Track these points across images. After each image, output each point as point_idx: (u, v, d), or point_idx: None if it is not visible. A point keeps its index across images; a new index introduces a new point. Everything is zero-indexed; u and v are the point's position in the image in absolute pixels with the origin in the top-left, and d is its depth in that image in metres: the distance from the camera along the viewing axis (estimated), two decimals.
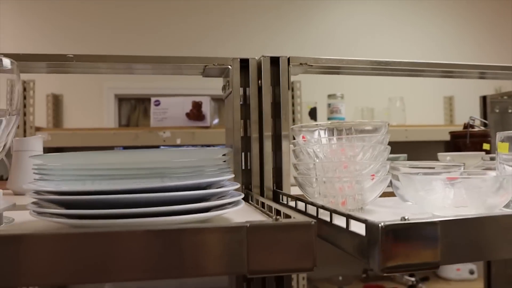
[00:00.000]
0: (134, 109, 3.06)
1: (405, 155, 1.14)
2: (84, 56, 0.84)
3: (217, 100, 2.92)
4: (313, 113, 2.60)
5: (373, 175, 0.65)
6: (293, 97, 2.47)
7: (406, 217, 0.47)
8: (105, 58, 0.86)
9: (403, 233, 0.46)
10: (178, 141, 2.33)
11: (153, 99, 2.41)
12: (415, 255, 0.47)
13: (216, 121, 2.87)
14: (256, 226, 0.44)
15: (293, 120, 2.44)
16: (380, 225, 0.45)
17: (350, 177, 0.64)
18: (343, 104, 2.62)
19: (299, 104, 2.47)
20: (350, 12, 3.25)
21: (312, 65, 0.88)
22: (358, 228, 0.50)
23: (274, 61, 0.86)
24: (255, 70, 0.87)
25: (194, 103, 2.40)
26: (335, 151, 0.67)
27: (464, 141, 1.29)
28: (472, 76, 1.16)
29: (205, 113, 2.41)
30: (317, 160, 0.68)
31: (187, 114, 2.40)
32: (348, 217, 0.52)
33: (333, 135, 0.68)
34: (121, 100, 3.02)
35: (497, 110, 1.48)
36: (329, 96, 2.63)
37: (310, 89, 2.68)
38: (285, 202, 0.77)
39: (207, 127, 2.40)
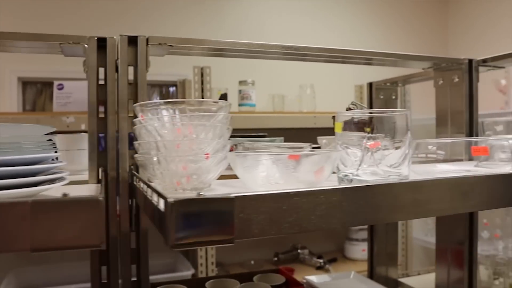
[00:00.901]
0: (40, 93, 2.92)
1: (282, 138, 1.17)
2: None
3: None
4: (223, 99, 2.60)
5: (207, 154, 0.65)
6: (202, 83, 2.46)
7: (201, 193, 0.47)
8: None
9: (196, 209, 0.46)
10: (83, 127, 2.25)
11: (56, 83, 2.31)
12: (208, 230, 0.47)
13: None
14: (39, 202, 0.43)
15: None
16: (169, 200, 0.45)
17: (182, 156, 0.64)
18: (254, 91, 2.64)
19: (208, 90, 2.47)
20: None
21: (172, 45, 0.87)
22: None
23: (133, 41, 0.85)
24: (114, 49, 0.85)
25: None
26: (173, 130, 0.67)
27: None
28: (377, 63, 1.21)
29: None
30: (159, 139, 0.68)
31: None
32: (159, 195, 0.52)
33: (175, 113, 0.68)
34: (26, 83, 2.87)
35: (382, 97, 1.55)
36: (240, 82, 2.65)
37: (221, 75, 2.68)
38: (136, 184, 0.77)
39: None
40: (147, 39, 0.85)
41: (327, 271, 2.73)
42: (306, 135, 1.19)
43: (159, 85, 2.93)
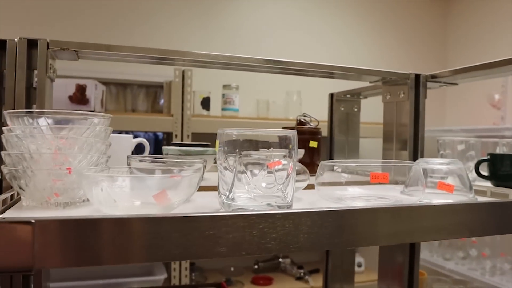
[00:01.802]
0: None
1: (214, 148, 1.12)
2: None
3: (118, 85, 2.84)
4: (206, 103, 2.57)
5: (69, 168, 0.61)
6: (183, 86, 2.42)
7: (4, 217, 0.43)
8: None
9: None
10: None
11: None
12: (4, 256, 0.43)
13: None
14: None
15: (182, 110, 2.39)
16: None
17: (47, 170, 0.60)
18: (238, 96, 2.59)
19: (189, 93, 2.43)
20: (259, 7, 3.22)
21: (77, 51, 0.83)
22: None
23: (34, 44, 0.81)
24: (13, 52, 0.81)
25: (78, 86, 2.31)
26: (39, 142, 0.62)
27: None
28: (339, 77, 1.17)
29: (89, 97, 2.33)
30: (26, 150, 0.64)
31: (70, 97, 2.30)
32: None
33: (46, 123, 0.64)
34: None
35: (342, 108, 1.49)
36: (224, 86, 2.60)
37: (205, 78, 2.64)
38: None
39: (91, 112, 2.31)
40: (48, 43, 0.81)
41: (306, 282, 2.67)
42: None
43: (146, 86, 2.90)
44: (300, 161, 1.16)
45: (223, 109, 2.59)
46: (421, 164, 0.84)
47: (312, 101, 2.93)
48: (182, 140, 2.41)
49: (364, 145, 2.04)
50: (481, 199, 0.87)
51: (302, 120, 1.32)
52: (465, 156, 1.24)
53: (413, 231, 0.59)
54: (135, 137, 1.24)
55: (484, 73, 1.05)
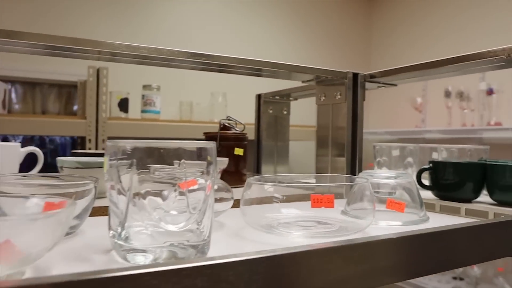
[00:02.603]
0: None
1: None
2: None
3: (26, 84, 2.52)
4: (123, 105, 2.32)
5: None
6: (98, 85, 2.17)
7: None
8: None
9: None
10: None
11: None
12: None
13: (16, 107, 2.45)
14: None
15: (97, 112, 2.14)
16: None
17: None
18: (159, 97, 2.38)
19: (105, 94, 2.18)
20: (185, 3, 3.02)
21: None
22: None
23: None
24: None
25: None
26: None
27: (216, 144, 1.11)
28: (267, 75, 1.01)
29: None
30: None
31: None
32: None
33: None
34: None
35: (271, 111, 1.34)
36: (144, 86, 2.38)
37: (123, 78, 2.40)
38: None
39: None
40: None
41: None
42: None
43: (59, 85, 2.60)
44: (224, 170, 0.99)
45: (143, 111, 2.36)
46: (365, 177, 0.70)
47: (238, 103, 2.77)
48: (96, 146, 2.16)
49: (294, 149, 1.91)
50: (433, 216, 0.74)
51: (226, 124, 1.15)
52: (403, 163, 1.13)
53: (373, 273, 0.44)
54: (24, 146, 1.01)
55: (423, 73, 0.94)
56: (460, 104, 2.68)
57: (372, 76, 0.97)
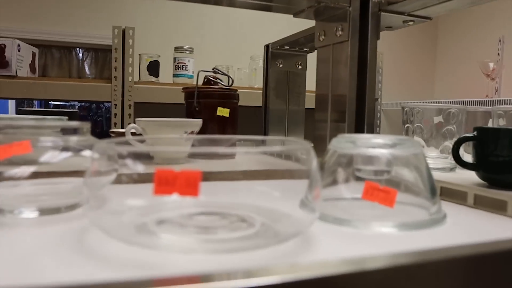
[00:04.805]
0: None
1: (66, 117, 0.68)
2: None
3: (61, 48, 2.39)
4: (153, 68, 2.11)
5: None
6: (123, 47, 1.97)
7: None
8: None
9: None
10: None
11: None
12: None
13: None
14: None
15: (123, 75, 1.95)
16: None
17: None
18: (192, 60, 2.14)
19: (131, 56, 1.98)
20: None
21: None
22: None
23: None
24: None
25: None
26: None
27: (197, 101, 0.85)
28: None
29: (9, 60, 1.89)
30: None
31: None
32: None
33: None
34: None
35: (281, 66, 1.05)
36: (176, 49, 2.15)
37: (153, 40, 2.19)
38: None
39: (12, 77, 1.88)
40: None
41: None
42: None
43: (94, 49, 2.44)
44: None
45: (174, 76, 2.14)
46: (337, 145, 0.41)
47: None
48: (122, 111, 1.98)
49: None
50: (458, 212, 0.44)
51: (211, 78, 0.88)
52: (440, 132, 0.80)
53: None
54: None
55: None
56: None
57: (389, 2, 0.65)
